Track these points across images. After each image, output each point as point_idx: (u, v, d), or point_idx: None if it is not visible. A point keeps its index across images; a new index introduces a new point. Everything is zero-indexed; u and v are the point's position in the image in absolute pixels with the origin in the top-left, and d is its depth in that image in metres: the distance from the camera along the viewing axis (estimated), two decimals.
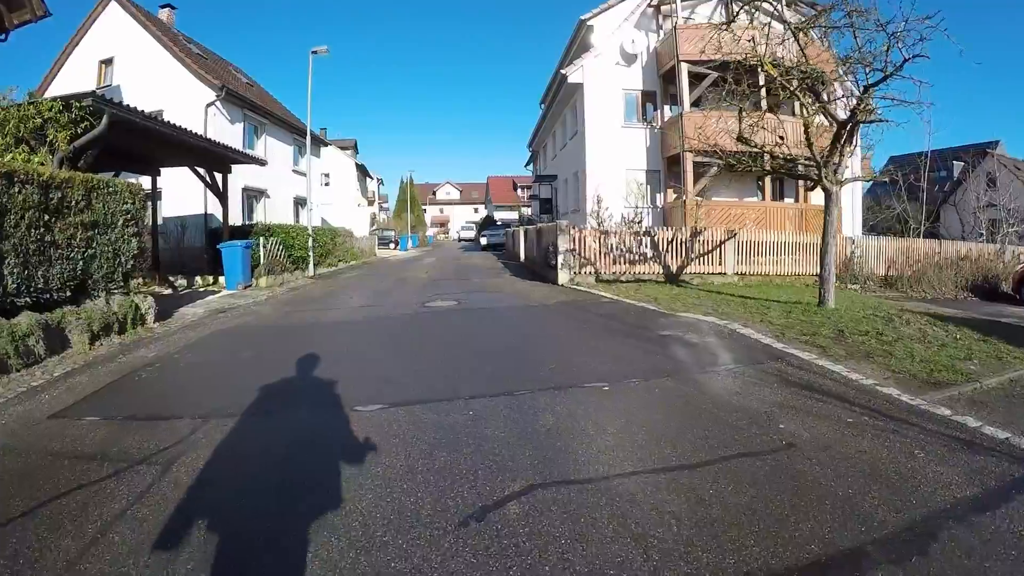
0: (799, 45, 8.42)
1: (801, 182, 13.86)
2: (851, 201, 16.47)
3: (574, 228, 12.32)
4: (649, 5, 16.74)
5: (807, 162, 9.06)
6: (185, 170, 12.64)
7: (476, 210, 69.49)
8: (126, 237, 7.00)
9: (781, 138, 9.61)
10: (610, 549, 2.17)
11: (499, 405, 3.93)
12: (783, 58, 8.91)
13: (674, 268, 12.22)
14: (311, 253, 15.65)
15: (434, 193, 75.45)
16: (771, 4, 10.95)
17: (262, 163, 15.81)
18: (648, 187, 16.74)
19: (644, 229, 12.78)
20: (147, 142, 9.90)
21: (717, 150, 10.57)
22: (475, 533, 2.28)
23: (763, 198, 16.41)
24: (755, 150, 9.35)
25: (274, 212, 19.61)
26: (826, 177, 8.21)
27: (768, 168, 10.41)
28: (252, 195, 18.91)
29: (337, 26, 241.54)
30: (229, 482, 2.84)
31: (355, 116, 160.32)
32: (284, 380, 4.71)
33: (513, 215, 52.38)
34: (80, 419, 3.83)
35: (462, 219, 65.48)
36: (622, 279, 11.97)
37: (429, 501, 2.55)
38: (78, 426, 3.68)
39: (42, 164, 6.62)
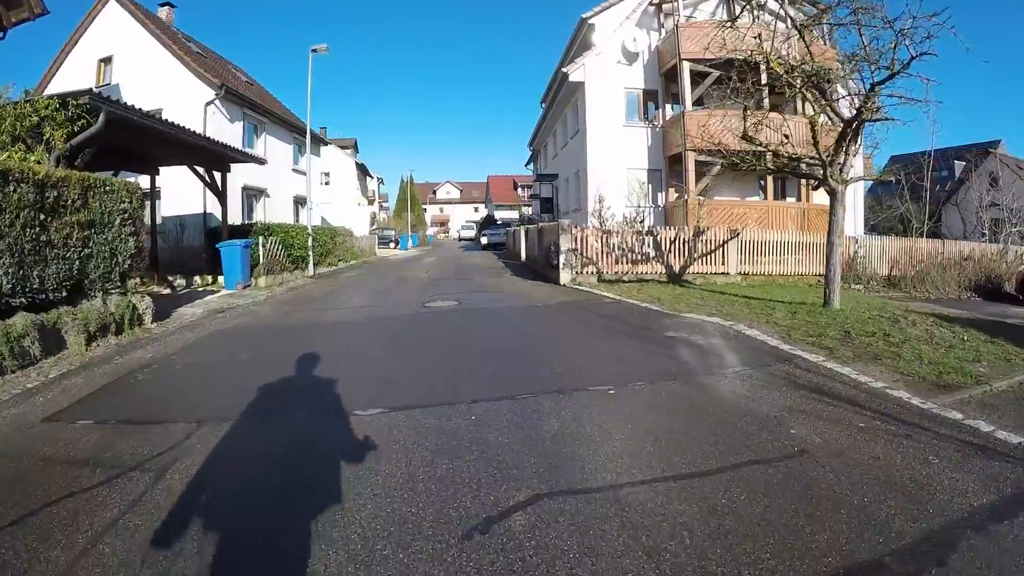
0: (804, 42, 8.33)
1: (804, 181, 13.78)
2: (853, 200, 16.43)
3: (576, 227, 12.22)
4: (650, 3, 16.66)
5: (812, 161, 8.98)
6: (184, 169, 12.54)
7: (476, 209, 69.40)
8: (123, 236, 6.93)
9: (786, 136, 9.52)
10: (621, 564, 2.09)
11: (502, 409, 3.84)
12: (788, 55, 8.83)
13: (677, 268, 12.13)
14: (311, 252, 15.56)
15: (434, 192, 75.40)
16: (775, 1, 10.84)
17: (261, 162, 15.73)
18: (650, 186, 16.68)
19: (646, 228, 12.69)
20: (145, 140, 9.81)
21: (720, 149, 10.47)
22: (479, 547, 2.20)
23: (765, 197, 16.35)
24: (759, 149, 9.27)
25: (274, 211, 19.53)
26: (831, 176, 8.13)
27: (772, 167, 10.31)
28: (252, 194, 18.84)
29: (337, 25, 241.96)
30: (225, 489, 2.76)
31: (355, 115, 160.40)
32: (283, 381, 4.64)
33: (514, 214, 52.32)
34: (74, 423, 3.76)
35: (462, 218, 65.43)
36: (624, 279, 11.89)
37: (431, 512, 2.47)
38: (72, 430, 3.61)
39: (38, 162, 6.55)
